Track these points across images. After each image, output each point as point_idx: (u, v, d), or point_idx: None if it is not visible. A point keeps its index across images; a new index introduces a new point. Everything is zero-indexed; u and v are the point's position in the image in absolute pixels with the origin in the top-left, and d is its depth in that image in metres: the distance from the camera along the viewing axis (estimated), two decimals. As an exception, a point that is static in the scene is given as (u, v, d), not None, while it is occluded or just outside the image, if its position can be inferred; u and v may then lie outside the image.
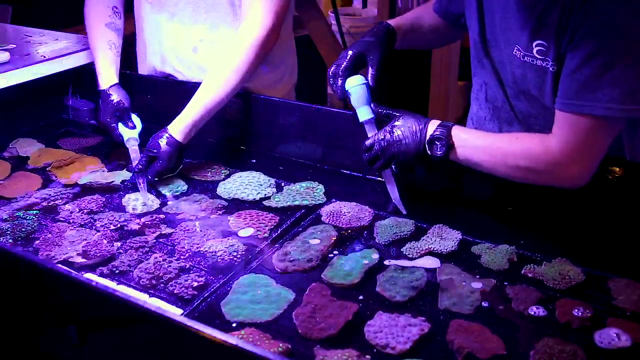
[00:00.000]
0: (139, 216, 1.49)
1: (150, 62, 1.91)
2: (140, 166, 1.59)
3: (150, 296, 1.22)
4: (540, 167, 1.27)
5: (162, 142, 1.58)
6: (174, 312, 1.16)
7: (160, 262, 1.29)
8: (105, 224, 1.44)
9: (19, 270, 1.18)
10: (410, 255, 1.32)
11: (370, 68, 1.46)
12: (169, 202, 1.55)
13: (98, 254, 1.33)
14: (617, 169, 1.34)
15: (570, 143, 1.24)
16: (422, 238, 1.37)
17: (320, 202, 1.53)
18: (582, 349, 1.06)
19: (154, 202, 1.54)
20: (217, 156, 1.76)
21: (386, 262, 1.29)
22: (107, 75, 1.76)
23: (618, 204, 1.35)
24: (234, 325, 1.13)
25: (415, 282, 1.23)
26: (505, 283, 1.23)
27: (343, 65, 1.45)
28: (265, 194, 1.56)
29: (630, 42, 1.15)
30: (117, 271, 1.29)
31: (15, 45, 1.98)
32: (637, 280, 1.21)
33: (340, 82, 1.44)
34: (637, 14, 1.15)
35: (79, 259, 1.31)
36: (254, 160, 1.74)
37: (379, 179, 1.55)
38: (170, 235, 1.41)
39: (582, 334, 1.10)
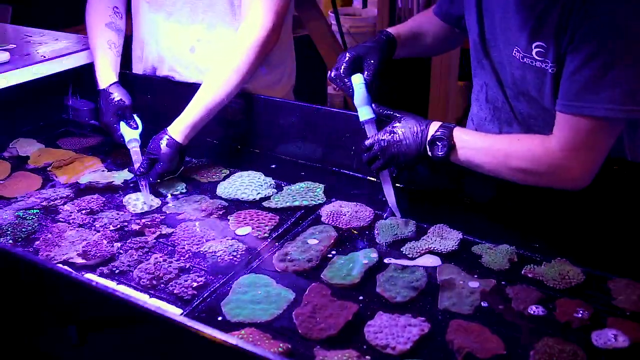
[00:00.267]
0: (139, 216, 1.49)
1: (147, 62, 1.91)
2: (142, 169, 1.59)
3: (150, 296, 1.22)
4: (541, 169, 1.27)
5: (162, 144, 1.58)
6: (174, 312, 1.16)
7: (160, 262, 1.29)
8: (105, 224, 1.44)
9: (19, 270, 1.18)
10: (410, 255, 1.32)
11: (365, 72, 1.45)
12: (169, 203, 1.55)
13: (98, 254, 1.33)
14: (618, 169, 1.34)
15: (571, 144, 1.23)
16: (422, 238, 1.37)
17: (320, 202, 1.53)
18: (582, 349, 1.06)
19: (154, 202, 1.54)
20: (217, 156, 1.76)
21: (386, 261, 1.29)
22: (107, 75, 1.75)
23: (618, 204, 1.35)
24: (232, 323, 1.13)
25: (415, 282, 1.23)
26: (504, 283, 1.23)
27: (343, 67, 1.45)
28: (265, 194, 1.56)
29: (631, 42, 1.15)
30: (117, 271, 1.29)
31: (15, 45, 1.98)
32: (637, 280, 1.21)
33: (347, 80, 1.44)
34: (637, 14, 1.15)
35: (79, 259, 1.31)
36: (254, 160, 1.74)
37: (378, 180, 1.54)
38: (170, 236, 1.41)
39: (582, 334, 1.10)
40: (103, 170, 1.70)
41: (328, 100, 3.97)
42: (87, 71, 1.98)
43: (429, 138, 1.33)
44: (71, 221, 1.46)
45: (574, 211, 1.37)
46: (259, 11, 1.63)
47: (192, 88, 1.67)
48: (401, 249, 1.34)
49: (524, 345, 1.07)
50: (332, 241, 1.36)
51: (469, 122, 1.68)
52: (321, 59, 3.49)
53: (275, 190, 1.58)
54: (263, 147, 1.79)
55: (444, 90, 3.77)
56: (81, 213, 1.49)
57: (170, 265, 1.28)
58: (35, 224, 1.44)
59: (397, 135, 1.36)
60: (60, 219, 1.47)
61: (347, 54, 1.46)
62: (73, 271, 1.23)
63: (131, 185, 1.63)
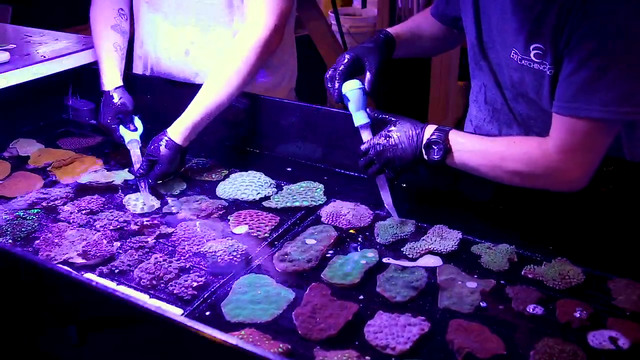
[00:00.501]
0: (139, 216, 1.49)
1: (145, 62, 1.90)
2: (141, 171, 1.58)
3: (150, 296, 1.22)
4: (537, 171, 1.26)
5: (162, 146, 1.57)
6: (174, 312, 1.16)
7: (160, 262, 1.29)
8: (105, 224, 1.44)
9: (19, 270, 1.18)
10: (410, 255, 1.32)
11: (367, 73, 1.45)
12: (169, 202, 1.55)
13: (98, 254, 1.33)
14: (617, 169, 1.34)
15: (568, 146, 1.23)
16: (422, 238, 1.37)
17: (320, 202, 1.53)
18: (582, 349, 1.06)
19: (154, 203, 1.54)
20: (217, 156, 1.76)
21: (387, 262, 1.29)
22: (112, 77, 1.74)
23: (618, 204, 1.35)
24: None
25: (415, 282, 1.23)
26: (504, 282, 1.23)
27: (340, 69, 1.44)
28: (265, 194, 1.56)
29: (631, 42, 1.15)
30: (117, 271, 1.29)
31: (15, 45, 1.98)
32: (637, 280, 1.21)
33: (337, 85, 1.43)
34: (637, 14, 1.14)
35: (79, 259, 1.31)
36: (254, 160, 1.74)
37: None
38: (170, 236, 1.41)
39: (582, 334, 1.10)
40: (103, 170, 1.70)
41: (328, 100, 3.97)
42: (87, 71, 1.99)
43: (424, 142, 1.33)
44: (71, 221, 1.46)
45: (574, 211, 1.37)
46: (262, 11, 1.62)
47: (192, 88, 1.67)
48: (401, 249, 1.34)
49: (524, 345, 1.07)
50: (332, 241, 1.36)
51: (467, 123, 1.68)
52: (321, 59, 3.49)
53: (275, 190, 1.58)
54: (263, 147, 1.79)
55: (444, 90, 3.77)
56: (81, 213, 1.49)
57: (170, 265, 1.28)
58: (35, 224, 1.44)
59: (392, 139, 1.35)
60: (60, 219, 1.47)
61: (347, 56, 1.46)
62: (73, 271, 1.23)
63: (132, 185, 1.63)
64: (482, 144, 1.32)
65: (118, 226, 1.44)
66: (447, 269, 1.27)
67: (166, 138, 1.58)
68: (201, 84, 1.64)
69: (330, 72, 1.45)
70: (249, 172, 1.66)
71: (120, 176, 1.66)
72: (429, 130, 1.34)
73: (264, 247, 1.36)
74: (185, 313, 1.16)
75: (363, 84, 1.43)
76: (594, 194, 1.33)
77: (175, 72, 1.84)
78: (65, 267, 1.27)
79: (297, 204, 1.52)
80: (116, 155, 1.79)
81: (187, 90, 1.76)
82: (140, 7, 1.84)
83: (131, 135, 1.70)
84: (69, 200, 1.55)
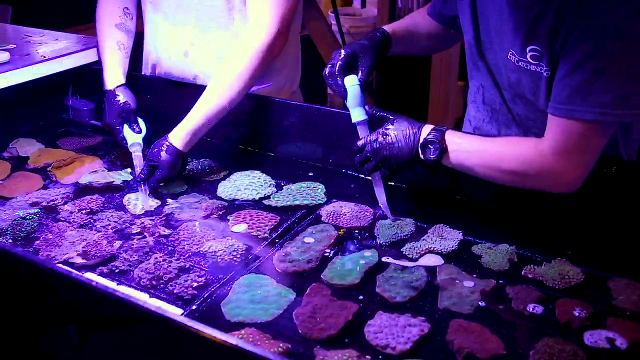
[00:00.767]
0: (139, 216, 1.49)
1: (147, 61, 1.91)
2: (142, 175, 1.58)
3: (150, 296, 1.22)
4: (532, 172, 1.26)
5: (163, 151, 1.56)
6: (174, 312, 1.16)
7: (160, 262, 1.29)
8: (105, 224, 1.44)
9: (19, 270, 1.18)
10: (410, 255, 1.32)
11: (360, 72, 1.45)
12: (169, 203, 1.55)
13: (98, 254, 1.33)
14: (617, 169, 1.34)
15: (563, 147, 1.23)
16: (422, 238, 1.37)
17: (320, 202, 1.53)
18: (582, 349, 1.06)
19: (153, 204, 1.54)
20: (217, 156, 1.76)
21: (387, 262, 1.30)
22: (114, 76, 1.73)
23: (618, 204, 1.35)
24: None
25: (415, 282, 1.23)
26: (503, 282, 1.23)
27: (338, 65, 1.44)
28: (265, 194, 1.56)
29: (631, 42, 1.14)
30: (117, 271, 1.29)
31: (15, 45, 1.98)
32: (637, 280, 1.21)
33: (339, 80, 1.44)
34: (637, 15, 1.14)
35: (79, 259, 1.31)
36: (254, 160, 1.74)
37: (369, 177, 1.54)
38: (170, 236, 1.41)
39: (582, 334, 1.10)
40: (103, 170, 1.70)
41: (328, 100, 3.97)
42: (87, 71, 1.99)
43: (421, 141, 1.33)
44: (71, 221, 1.46)
45: (574, 211, 1.37)
46: (264, 15, 1.59)
47: (192, 89, 1.67)
48: (401, 249, 1.34)
49: (524, 345, 1.07)
50: (332, 241, 1.36)
51: (465, 123, 1.68)
52: (321, 59, 3.49)
53: (275, 190, 1.58)
54: (263, 147, 1.79)
55: (444, 89, 3.77)
56: (81, 213, 1.49)
57: (170, 265, 1.28)
58: (35, 224, 1.44)
59: (389, 137, 1.35)
60: (60, 219, 1.47)
61: (342, 51, 1.46)
62: (73, 271, 1.23)
63: (133, 185, 1.63)
64: (478, 145, 1.32)
65: (118, 226, 1.44)
66: (447, 269, 1.27)
67: (167, 143, 1.56)
68: (201, 84, 1.63)
69: (328, 69, 1.45)
70: (249, 172, 1.66)
71: (120, 176, 1.66)
72: (426, 129, 1.34)
73: (264, 247, 1.36)
74: (185, 313, 1.16)
75: (360, 80, 1.44)
76: (594, 194, 1.33)
77: (175, 73, 1.84)
78: (65, 267, 1.27)
79: (297, 202, 1.52)
80: (116, 156, 1.79)
81: (187, 90, 1.76)
82: (145, 7, 1.84)
83: (134, 138, 1.69)
84: (69, 200, 1.55)
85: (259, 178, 1.62)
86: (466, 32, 1.48)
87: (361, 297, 1.20)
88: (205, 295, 1.21)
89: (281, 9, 1.59)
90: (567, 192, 1.28)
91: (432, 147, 1.31)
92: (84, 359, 1.20)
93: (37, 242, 1.37)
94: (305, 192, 1.56)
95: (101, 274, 1.28)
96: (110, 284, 1.24)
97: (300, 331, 1.11)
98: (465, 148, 1.31)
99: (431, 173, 1.48)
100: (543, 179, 1.27)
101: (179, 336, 0.97)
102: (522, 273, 1.26)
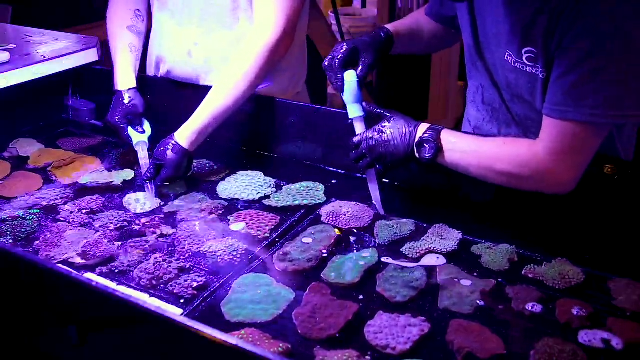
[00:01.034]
0: (139, 216, 1.49)
1: (151, 60, 1.90)
2: (149, 174, 1.58)
3: (150, 296, 1.22)
4: (527, 172, 1.26)
5: (169, 150, 1.56)
6: (174, 312, 1.16)
7: (160, 262, 1.29)
8: (105, 224, 1.44)
9: (19, 270, 1.18)
10: (410, 255, 1.32)
11: (360, 67, 1.45)
12: (169, 202, 1.55)
13: (98, 254, 1.33)
14: (615, 168, 1.34)
15: (557, 148, 1.23)
16: (422, 238, 1.37)
17: (320, 202, 1.53)
18: (582, 349, 1.06)
19: (157, 202, 1.54)
20: (217, 156, 1.76)
21: (387, 262, 1.29)
22: (126, 78, 1.73)
23: (618, 204, 1.34)
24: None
25: (415, 282, 1.23)
26: (504, 283, 1.23)
27: (339, 57, 1.44)
28: (265, 194, 1.56)
29: (629, 42, 1.14)
30: (117, 271, 1.29)
31: (15, 45, 1.98)
32: (637, 280, 1.21)
33: (338, 73, 1.43)
34: (636, 15, 1.14)
35: (79, 259, 1.31)
36: (254, 160, 1.74)
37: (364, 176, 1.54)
38: (170, 236, 1.41)
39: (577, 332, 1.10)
40: (103, 170, 1.70)
41: (328, 100, 3.97)
42: (87, 71, 1.99)
43: (416, 140, 1.33)
44: (71, 221, 1.46)
45: (574, 211, 1.37)
46: (270, 15, 1.60)
47: (196, 89, 1.66)
48: (401, 249, 1.34)
49: (524, 345, 1.07)
50: (332, 241, 1.36)
51: (465, 123, 1.68)
52: (321, 59, 3.47)
53: (275, 190, 1.58)
54: (263, 147, 1.79)
55: (444, 89, 3.78)
56: (81, 213, 1.49)
57: (170, 265, 1.28)
58: (35, 224, 1.44)
59: (385, 135, 1.36)
60: (60, 219, 1.47)
61: (345, 45, 1.46)
62: (73, 271, 1.23)
63: (139, 183, 1.63)
64: (473, 145, 1.32)
65: (118, 226, 1.44)
66: (447, 269, 1.27)
67: (173, 142, 1.57)
68: (205, 85, 1.63)
69: (328, 60, 1.45)
70: (249, 172, 1.66)
71: (120, 176, 1.66)
72: (422, 128, 1.34)
73: (264, 247, 1.36)
74: (185, 313, 1.16)
75: (359, 77, 1.44)
76: (594, 194, 1.33)
77: (178, 72, 1.83)
78: (65, 267, 1.27)
79: (297, 202, 1.52)
80: (116, 156, 1.79)
81: (190, 91, 1.76)
82: (153, 6, 1.84)
83: (139, 137, 1.69)
84: (69, 200, 1.55)
85: (259, 178, 1.62)
86: (464, 33, 1.48)
87: (361, 297, 1.20)
88: (205, 295, 1.21)
89: (287, 10, 1.60)
90: (561, 192, 1.28)
91: (427, 145, 1.31)
92: (84, 359, 1.20)
93: (37, 242, 1.37)
94: (305, 192, 1.56)
95: (101, 274, 1.28)
96: (110, 284, 1.24)
97: (300, 331, 1.11)
98: (460, 148, 1.31)
99: (426, 172, 1.48)
100: (537, 180, 1.27)
101: (179, 336, 0.97)
102: (522, 273, 1.26)
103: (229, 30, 1.72)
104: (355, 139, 1.40)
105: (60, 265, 1.28)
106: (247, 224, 1.44)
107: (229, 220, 1.46)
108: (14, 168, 1.73)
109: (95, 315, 1.13)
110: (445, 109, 3.82)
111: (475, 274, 1.26)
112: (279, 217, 1.47)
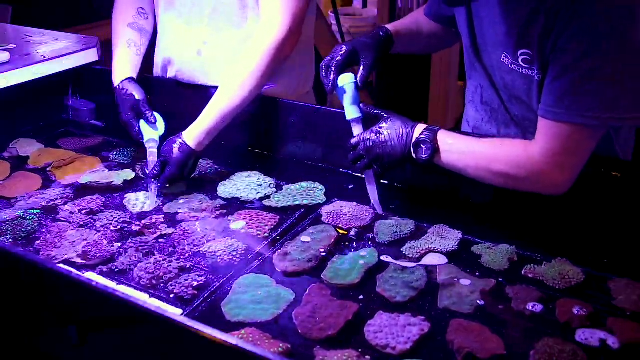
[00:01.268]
0: (139, 216, 1.49)
1: (158, 61, 1.90)
2: (155, 172, 1.57)
3: (150, 296, 1.22)
4: (522, 174, 1.26)
5: (175, 149, 1.56)
6: (174, 312, 1.16)
7: (160, 262, 1.29)
8: (105, 224, 1.44)
9: (19, 270, 1.18)
10: (410, 255, 1.32)
11: (361, 69, 1.45)
12: (169, 202, 1.55)
13: (98, 254, 1.33)
14: (616, 169, 1.34)
15: (552, 150, 1.23)
16: (422, 238, 1.37)
17: (320, 202, 1.53)
18: (582, 349, 1.06)
19: (159, 201, 1.55)
20: (217, 156, 1.76)
21: (388, 262, 1.30)
22: (121, 71, 1.73)
23: (618, 204, 1.34)
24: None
25: (415, 282, 1.23)
26: (504, 282, 1.23)
27: (337, 59, 1.44)
28: (265, 194, 1.56)
29: (625, 42, 1.14)
30: (117, 271, 1.29)
31: (15, 45, 1.98)
32: (637, 280, 1.21)
33: (332, 76, 1.44)
34: (632, 16, 1.13)
35: (79, 260, 1.31)
36: (254, 160, 1.74)
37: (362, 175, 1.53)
38: (170, 236, 1.41)
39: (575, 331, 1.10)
40: (103, 170, 1.70)
41: (328, 100, 3.97)
42: (87, 71, 1.99)
43: (413, 140, 1.33)
44: (71, 221, 1.46)
45: (574, 211, 1.37)
46: (276, 13, 1.59)
47: (203, 90, 1.66)
48: (401, 249, 1.34)
49: (524, 345, 1.07)
50: (332, 241, 1.36)
51: (464, 123, 1.68)
52: (321, 60, 3.48)
53: (275, 190, 1.58)
54: (263, 147, 1.79)
55: (444, 89, 3.77)
56: (81, 213, 1.49)
57: (170, 265, 1.28)
58: (35, 224, 1.44)
59: (382, 136, 1.36)
60: (60, 219, 1.47)
61: (344, 47, 1.46)
62: (73, 271, 1.23)
63: (145, 181, 1.63)
64: (470, 146, 1.32)
65: (118, 226, 1.44)
66: (447, 269, 1.27)
67: (180, 141, 1.56)
68: (211, 86, 1.62)
69: (326, 62, 1.45)
70: (249, 172, 1.66)
71: (120, 176, 1.66)
72: (419, 129, 1.34)
73: (264, 247, 1.36)
74: (185, 313, 1.16)
75: (356, 79, 1.44)
76: (595, 194, 1.33)
77: (187, 72, 1.82)
78: (65, 267, 1.27)
79: (297, 202, 1.52)
80: (116, 156, 1.79)
81: (196, 92, 1.76)
82: (158, 6, 1.83)
83: (150, 134, 1.68)
84: (69, 200, 1.55)
85: (259, 178, 1.62)
86: (463, 34, 1.48)
87: (361, 297, 1.20)
88: (205, 295, 1.21)
89: (293, 8, 1.60)
90: (556, 194, 1.28)
91: (424, 146, 1.32)
92: (84, 359, 1.20)
93: (38, 242, 1.37)
94: (305, 192, 1.56)
95: (101, 274, 1.28)
96: (110, 284, 1.24)
97: (300, 331, 1.11)
98: (457, 149, 1.31)
99: (423, 172, 1.48)
100: (533, 181, 1.27)
101: (179, 336, 0.97)
102: (522, 273, 1.26)
103: (237, 29, 1.72)
104: (353, 141, 1.40)
105: (60, 265, 1.28)
106: (247, 223, 1.44)
107: (229, 220, 1.46)
108: (14, 168, 1.73)
109: (95, 315, 1.13)
110: (445, 109, 3.81)
111: (476, 274, 1.26)
112: (278, 217, 1.47)
